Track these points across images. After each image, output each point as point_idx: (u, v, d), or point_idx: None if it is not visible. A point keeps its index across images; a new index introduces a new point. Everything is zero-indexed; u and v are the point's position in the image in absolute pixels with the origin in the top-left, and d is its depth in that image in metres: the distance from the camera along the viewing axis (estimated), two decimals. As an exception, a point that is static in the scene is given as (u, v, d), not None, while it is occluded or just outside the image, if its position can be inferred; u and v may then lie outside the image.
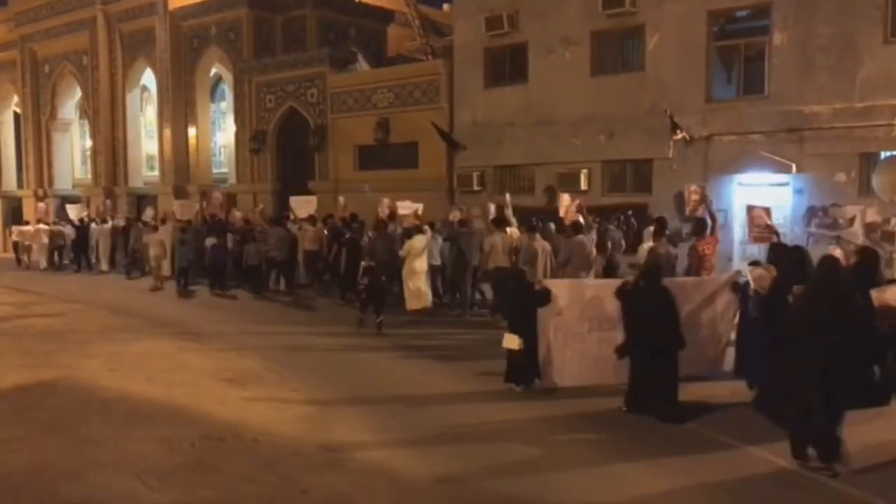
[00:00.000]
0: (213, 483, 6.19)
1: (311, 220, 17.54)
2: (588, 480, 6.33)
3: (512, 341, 8.76)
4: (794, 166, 14.35)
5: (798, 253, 8.50)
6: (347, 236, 15.76)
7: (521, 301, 9.02)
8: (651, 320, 7.80)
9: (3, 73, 33.37)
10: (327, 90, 22.48)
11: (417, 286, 13.61)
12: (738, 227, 14.91)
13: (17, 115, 34.06)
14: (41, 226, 24.34)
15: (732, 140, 15.22)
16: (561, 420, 7.92)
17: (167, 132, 27.20)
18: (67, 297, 16.89)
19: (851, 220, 11.98)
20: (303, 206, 19.01)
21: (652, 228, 11.61)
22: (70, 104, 31.86)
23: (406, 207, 16.21)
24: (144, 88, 30.01)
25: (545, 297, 8.77)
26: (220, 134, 29.77)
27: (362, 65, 23.58)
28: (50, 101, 31.34)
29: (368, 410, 8.31)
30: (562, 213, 13.58)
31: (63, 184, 31.93)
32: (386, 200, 16.76)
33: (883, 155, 13.49)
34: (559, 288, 8.98)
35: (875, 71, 13.65)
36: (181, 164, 27.19)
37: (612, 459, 6.79)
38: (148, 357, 10.82)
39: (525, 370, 8.82)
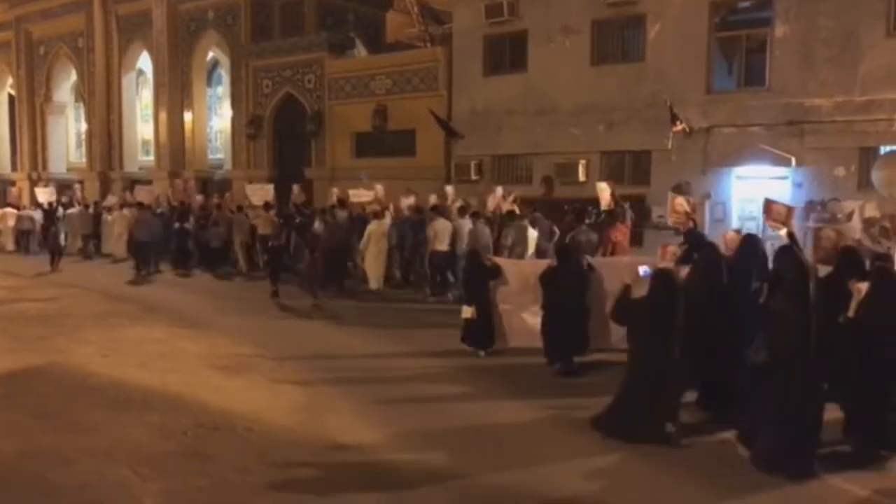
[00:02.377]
0: (206, 472, 6.13)
1: (267, 206, 18.17)
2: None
3: (468, 311, 10.10)
4: (793, 159, 14.28)
5: (692, 237, 9.34)
6: (297, 221, 16.54)
7: (475, 276, 10.33)
8: (564, 292, 9.25)
9: (-2, 54, 33.12)
10: (325, 76, 22.30)
11: (377, 267, 15.07)
12: (736, 219, 14.86)
13: (11, 98, 33.80)
14: (8, 209, 24.29)
15: (732, 132, 15.14)
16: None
17: (163, 116, 27.04)
18: (61, 281, 16.77)
19: (850, 215, 11.91)
20: (259, 193, 19.88)
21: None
22: (65, 87, 31.64)
23: (359, 195, 17.54)
24: (140, 72, 29.78)
25: (496, 271, 10.20)
26: (216, 119, 29.51)
27: (360, 51, 23.41)
28: (45, 83, 31.13)
29: (360, 395, 8.30)
30: (491, 206, 15.26)
31: (58, 167, 31.74)
32: (335, 189, 18.53)
33: (883, 150, 13.42)
34: (507, 265, 10.51)
35: (877, 65, 13.56)
36: (177, 149, 27.03)
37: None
38: (142, 343, 10.75)
39: (482, 335, 10.11)
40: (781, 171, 14.48)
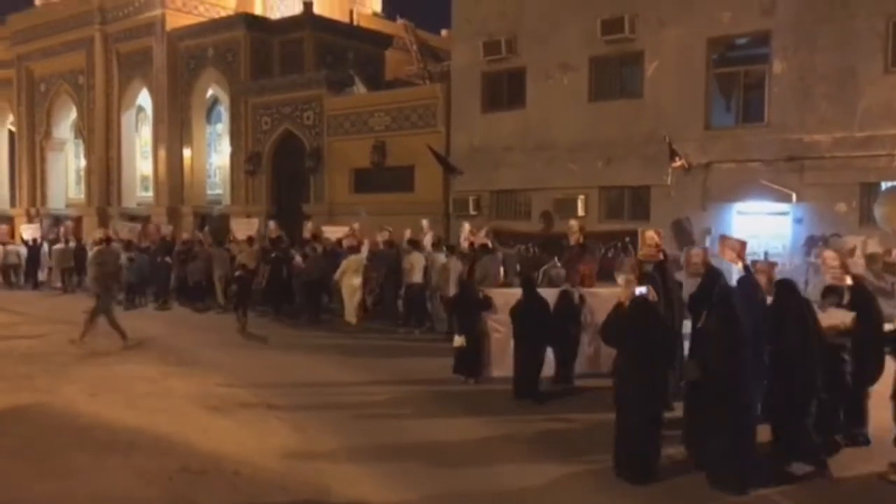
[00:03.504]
0: (189, 519, 5.89)
1: (250, 240, 18.43)
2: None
3: (458, 340, 10.53)
4: (794, 195, 14.17)
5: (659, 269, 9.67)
6: (273, 255, 17.12)
7: (467, 307, 10.77)
8: (527, 324, 9.69)
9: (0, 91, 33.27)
10: (324, 113, 22.34)
11: (352, 301, 15.60)
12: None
13: (11, 134, 33.90)
14: None
15: (731, 168, 15.05)
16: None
17: (162, 153, 27.04)
18: (54, 317, 16.52)
19: (852, 251, 11.75)
20: (243, 227, 20.54)
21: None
22: (65, 123, 31.72)
23: (333, 231, 18.48)
24: (140, 109, 29.84)
25: (487, 303, 10.57)
26: (215, 155, 29.56)
27: (359, 88, 23.48)
28: (45, 119, 31.20)
29: (351, 433, 8.14)
30: (462, 240, 15.87)
31: (56, 203, 31.70)
32: (309, 224, 19.69)
33: (884, 185, 13.31)
34: (499, 294, 10.80)
35: (876, 100, 13.51)
36: (175, 185, 27.00)
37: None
38: (131, 381, 10.49)
39: (471, 364, 10.52)
40: (782, 206, 14.36)
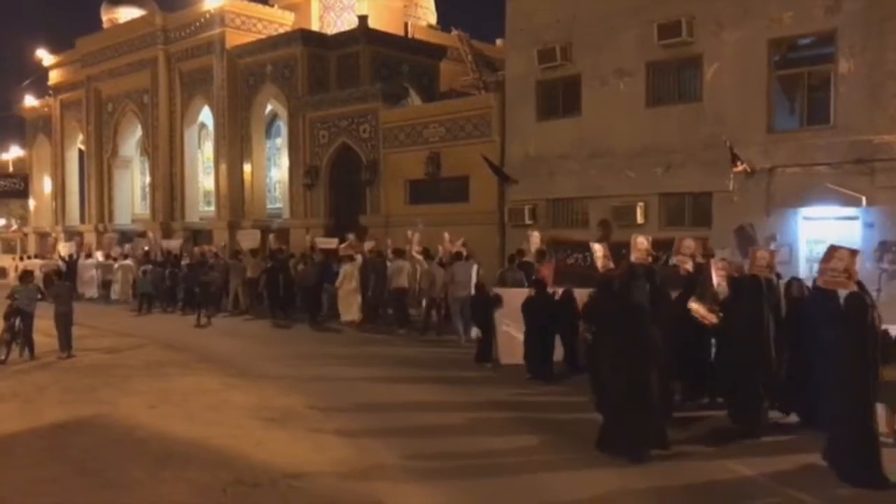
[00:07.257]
0: (241, 533, 5.87)
1: (254, 252, 19.94)
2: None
3: (476, 332, 12.89)
4: (863, 199, 13.59)
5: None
6: (269, 265, 19.06)
7: (480, 305, 12.82)
8: (537, 317, 11.37)
9: (70, 112, 34.58)
10: (379, 125, 22.48)
11: (349, 303, 17.13)
12: (804, 261, 14.17)
13: (81, 153, 35.14)
14: (36, 260, 26.11)
15: (796, 172, 14.54)
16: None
17: (223, 168, 27.63)
18: (118, 330, 16.97)
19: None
20: (247, 239, 21.79)
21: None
22: (131, 142, 32.80)
23: (327, 242, 20.00)
24: (202, 125, 30.63)
25: (497, 301, 12.31)
26: (275, 170, 30.12)
27: (414, 100, 23.53)
28: (112, 138, 32.33)
29: (408, 447, 8.02)
30: (441, 250, 16.90)
31: (123, 219, 32.75)
32: (308, 237, 20.97)
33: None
34: (507, 294, 12.41)
35: (951, 98, 12.90)
36: (236, 200, 27.54)
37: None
38: (191, 393, 10.62)
39: (486, 351, 12.51)
40: (851, 211, 13.80)
